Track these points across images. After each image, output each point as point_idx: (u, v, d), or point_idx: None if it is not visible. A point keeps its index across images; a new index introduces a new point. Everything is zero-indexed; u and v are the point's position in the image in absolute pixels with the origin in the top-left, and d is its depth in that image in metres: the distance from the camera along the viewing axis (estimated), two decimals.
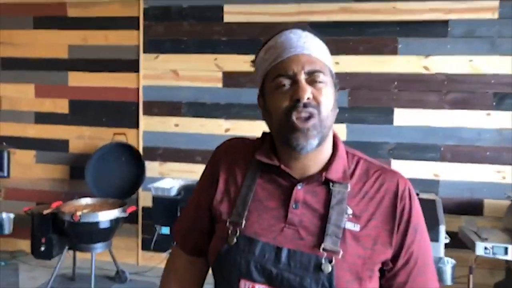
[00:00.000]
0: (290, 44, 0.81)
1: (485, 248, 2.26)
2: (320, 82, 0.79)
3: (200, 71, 3.25)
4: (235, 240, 0.81)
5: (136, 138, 3.36)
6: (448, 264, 2.26)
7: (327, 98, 0.80)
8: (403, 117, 2.98)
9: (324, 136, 0.80)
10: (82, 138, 3.47)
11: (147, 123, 3.35)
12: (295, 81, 0.79)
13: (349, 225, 0.79)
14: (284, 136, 0.80)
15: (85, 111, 3.45)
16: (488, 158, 2.88)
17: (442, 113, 2.92)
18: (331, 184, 0.82)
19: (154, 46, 3.30)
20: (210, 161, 0.94)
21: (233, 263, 0.80)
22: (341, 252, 0.77)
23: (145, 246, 3.37)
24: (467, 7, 2.85)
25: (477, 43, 2.86)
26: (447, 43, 2.89)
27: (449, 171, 2.93)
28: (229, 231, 0.82)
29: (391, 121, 3.01)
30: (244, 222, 0.82)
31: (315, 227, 0.79)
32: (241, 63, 3.16)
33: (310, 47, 0.81)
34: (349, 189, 0.81)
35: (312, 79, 0.79)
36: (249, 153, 0.88)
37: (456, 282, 2.50)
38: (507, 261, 2.47)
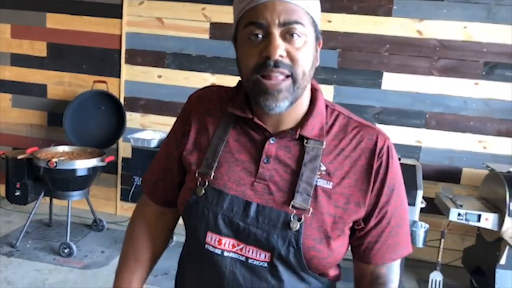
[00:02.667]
0: None
1: (459, 214, 2.31)
2: (297, 36, 0.70)
3: (187, 20, 3.11)
4: (203, 191, 0.77)
5: (117, 87, 3.25)
6: (422, 228, 2.30)
7: (305, 55, 0.71)
8: (392, 81, 2.94)
9: (297, 97, 0.73)
10: (61, 84, 3.34)
11: (129, 72, 3.23)
12: (268, 33, 0.69)
13: (322, 182, 0.75)
14: (253, 95, 0.74)
15: (64, 55, 3.30)
16: (472, 128, 2.88)
17: (431, 79, 2.89)
18: (305, 140, 0.77)
19: None
20: (182, 110, 0.88)
21: (200, 215, 0.77)
22: (311, 210, 0.73)
23: (124, 197, 3.36)
24: None
25: (473, 9, 2.78)
26: (443, 7, 2.80)
27: (432, 138, 2.93)
28: (198, 182, 0.78)
29: (379, 85, 2.96)
30: (213, 174, 0.78)
31: (286, 183, 0.76)
32: (230, 14, 3.01)
33: None
34: (324, 146, 0.76)
35: (288, 31, 0.69)
36: (223, 103, 0.82)
37: (428, 246, 2.57)
38: (478, 228, 2.54)
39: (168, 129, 3.32)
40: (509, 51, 2.77)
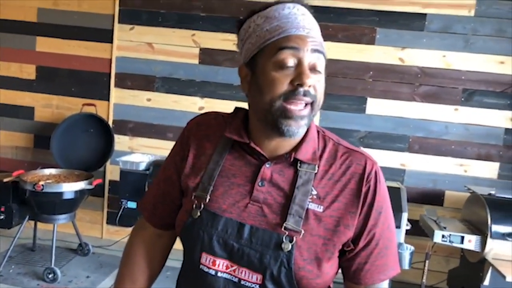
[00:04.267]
0: (296, 21, 0.78)
1: (443, 236, 2.36)
2: (319, 71, 0.78)
3: (177, 46, 3.17)
4: (198, 213, 0.80)
5: (106, 110, 3.27)
6: (407, 250, 2.34)
7: (322, 88, 0.79)
8: (376, 106, 3.03)
9: (309, 124, 0.81)
10: (49, 106, 3.34)
11: (118, 95, 3.26)
12: (299, 63, 0.75)
13: (313, 206, 0.79)
14: (273, 119, 0.77)
15: (53, 78, 3.31)
16: (453, 152, 2.98)
17: (413, 105, 2.99)
18: (298, 164, 0.81)
19: (130, 16, 3.19)
20: (181, 135, 0.91)
21: (196, 237, 0.80)
22: (303, 232, 0.77)
23: (110, 220, 3.33)
24: (445, 2, 2.89)
25: (451, 39, 2.92)
26: (423, 37, 2.94)
27: (416, 161, 3.02)
28: (194, 205, 0.81)
29: (363, 110, 3.05)
30: (208, 197, 0.81)
31: (279, 206, 0.79)
32: (220, 41, 3.11)
33: (313, 28, 0.79)
34: (316, 171, 0.81)
35: (314, 65, 0.77)
36: (221, 128, 0.86)
37: (413, 268, 2.61)
38: (462, 250, 2.59)
39: (156, 151, 3.32)
40: (486, 78, 2.91)
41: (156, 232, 0.95)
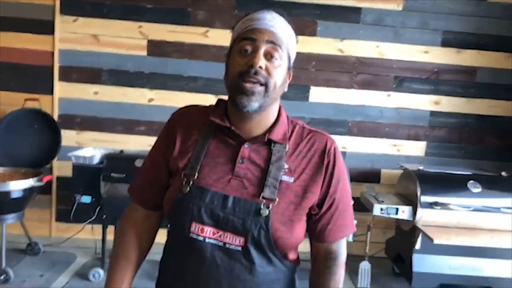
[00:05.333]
0: (263, 20, 0.94)
1: (381, 209, 2.65)
2: (275, 58, 0.92)
3: (123, 38, 3.15)
4: (188, 189, 0.93)
5: (50, 105, 3.17)
6: None
7: (278, 73, 0.93)
8: (318, 94, 3.26)
9: (266, 104, 0.93)
10: None
11: (63, 89, 3.18)
12: (255, 50, 0.91)
13: (285, 178, 0.95)
14: (232, 95, 0.94)
15: None
16: (387, 134, 3.30)
17: (352, 92, 3.26)
18: (272, 144, 0.97)
19: (73, 8, 3.10)
20: (166, 126, 1.04)
21: (186, 209, 0.92)
22: (277, 200, 0.92)
23: (60, 217, 3.25)
24: None
25: (383, 31, 3.21)
26: (359, 29, 3.20)
27: (355, 144, 3.30)
28: (183, 182, 0.94)
29: (307, 98, 3.26)
30: (196, 174, 0.94)
31: (257, 179, 0.94)
32: (168, 32, 3.14)
33: (277, 28, 0.94)
34: (287, 149, 0.97)
35: (269, 53, 0.91)
36: (204, 117, 1.00)
37: (356, 240, 2.90)
38: (397, 220, 2.91)
39: (105, 145, 3.30)
40: (414, 67, 3.25)
41: (145, 213, 1.06)
